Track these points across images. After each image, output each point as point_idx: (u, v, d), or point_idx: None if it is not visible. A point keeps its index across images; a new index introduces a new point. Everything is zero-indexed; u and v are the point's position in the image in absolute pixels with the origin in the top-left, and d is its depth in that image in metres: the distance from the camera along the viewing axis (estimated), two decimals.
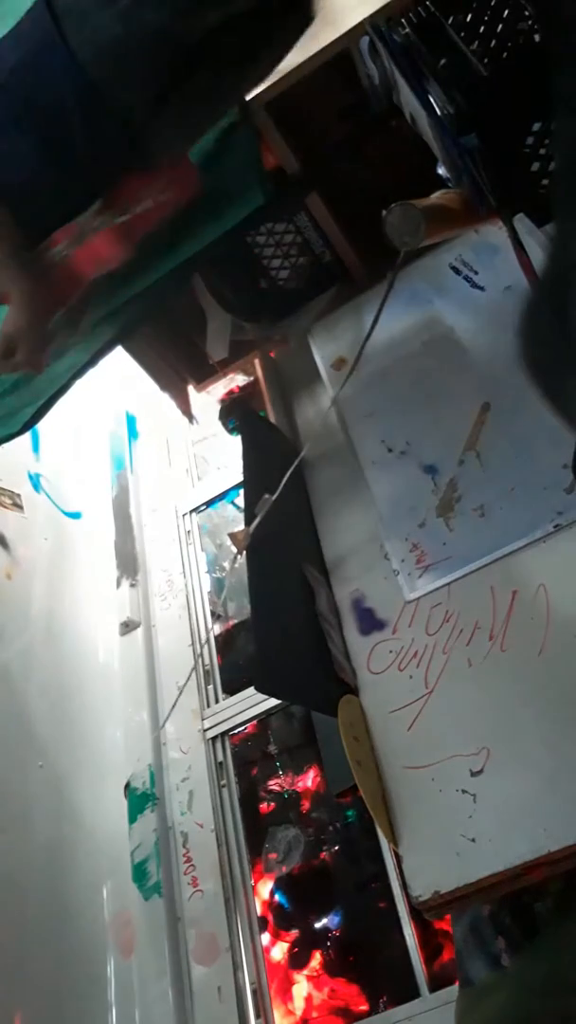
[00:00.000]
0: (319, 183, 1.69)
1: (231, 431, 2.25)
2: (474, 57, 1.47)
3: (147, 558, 2.38)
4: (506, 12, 1.51)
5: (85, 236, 1.33)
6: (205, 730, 1.99)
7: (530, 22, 1.50)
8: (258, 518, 1.39)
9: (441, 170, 1.57)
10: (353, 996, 1.63)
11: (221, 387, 2.39)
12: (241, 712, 1.98)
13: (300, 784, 1.92)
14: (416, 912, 1.37)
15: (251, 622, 1.46)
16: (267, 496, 1.42)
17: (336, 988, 1.65)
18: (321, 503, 1.63)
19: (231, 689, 2.06)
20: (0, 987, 1.48)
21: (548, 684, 1.16)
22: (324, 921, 1.74)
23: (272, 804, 1.93)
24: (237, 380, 2.43)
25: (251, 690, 1.97)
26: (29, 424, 1.48)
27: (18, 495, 2.20)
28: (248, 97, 1.46)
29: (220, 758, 1.96)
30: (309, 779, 1.92)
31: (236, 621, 2.22)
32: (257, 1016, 1.62)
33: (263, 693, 1.52)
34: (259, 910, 1.78)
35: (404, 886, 1.42)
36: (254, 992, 1.64)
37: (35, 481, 2.31)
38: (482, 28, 1.52)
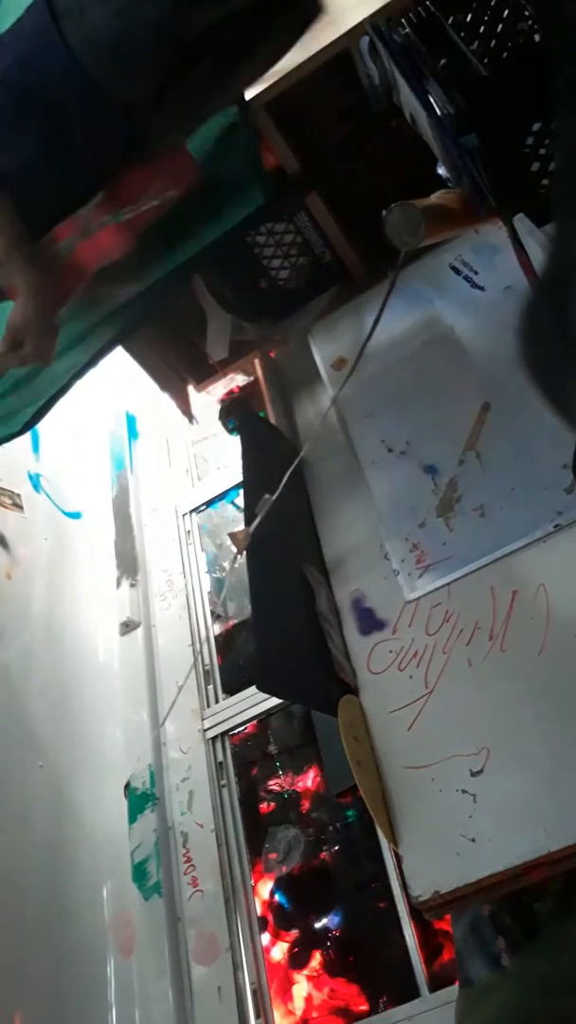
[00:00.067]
0: (319, 183, 1.69)
1: (231, 431, 2.25)
2: (474, 57, 1.47)
3: (147, 558, 2.38)
4: (506, 12, 1.51)
5: (90, 232, 1.33)
6: (205, 730, 1.99)
7: (530, 22, 1.50)
8: (258, 518, 1.39)
9: (441, 170, 1.57)
10: (353, 996, 1.62)
11: (221, 387, 2.39)
12: (241, 712, 1.98)
13: (300, 784, 1.92)
14: (416, 912, 1.37)
15: (251, 622, 1.46)
16: (267, 496, 1.42)
17: (336, 988, 1.65)
18: (321, 503, 1.63)
19: (231, 689, 2.06)
20: (0, 987, 1.48)
21: (548, 684, 1.16)
22: (324, 921, 1.74)
23: (272, 804, 1.93)
24: (237, 380, 2.43)
25: (251, 690, 1.97)
26: (29, 424, 1.49)
27: (18, 495, 2.20)
28: (248, 97, 1.46)
29: (220, 758, 1.96)
30: (309, 779, 1.92)
31: (236, 621, 2.22)
32: (257, 1016, 1.62)
33: (264, 692, 1.52)
34: (259, 910, 1.78)
35: (404, 886, 1.41)
36: (254, 992, 1.64)
37: (35, 481, 2.31)
38: (482, 28, 1.52)
